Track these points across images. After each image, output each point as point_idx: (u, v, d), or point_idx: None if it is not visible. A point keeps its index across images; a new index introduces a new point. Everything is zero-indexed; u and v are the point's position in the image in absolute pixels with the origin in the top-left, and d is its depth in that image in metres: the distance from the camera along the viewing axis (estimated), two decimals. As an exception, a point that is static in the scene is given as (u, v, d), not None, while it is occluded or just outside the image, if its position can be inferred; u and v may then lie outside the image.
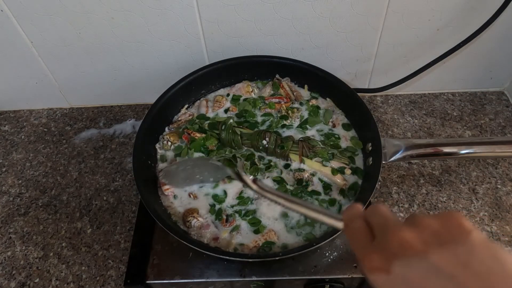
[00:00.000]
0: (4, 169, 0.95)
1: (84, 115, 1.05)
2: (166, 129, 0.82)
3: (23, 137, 1.02)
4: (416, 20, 0.86)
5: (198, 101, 0.87)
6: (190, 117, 0.83)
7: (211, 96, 0.88)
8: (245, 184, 0.59)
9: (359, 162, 0.76)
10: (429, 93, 1.05)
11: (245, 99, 0.86)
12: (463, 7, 0.83)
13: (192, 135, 0.78)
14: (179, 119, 0.84)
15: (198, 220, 0.68)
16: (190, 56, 0.93)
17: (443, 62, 0.87)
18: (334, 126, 0.81)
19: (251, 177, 0.62)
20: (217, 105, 0.85)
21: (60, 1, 0.80)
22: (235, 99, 0.86)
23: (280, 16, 0.84)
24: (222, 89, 0.89)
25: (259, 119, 0.83)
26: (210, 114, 0.84)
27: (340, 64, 0.96)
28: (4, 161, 0.97)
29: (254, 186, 0.57)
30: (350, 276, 0.65)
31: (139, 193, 0.67)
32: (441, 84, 1.03)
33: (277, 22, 0.85)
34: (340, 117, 0.83)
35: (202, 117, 0.83)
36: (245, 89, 0.87)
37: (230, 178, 0.73)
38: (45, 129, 1.03)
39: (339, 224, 0.41)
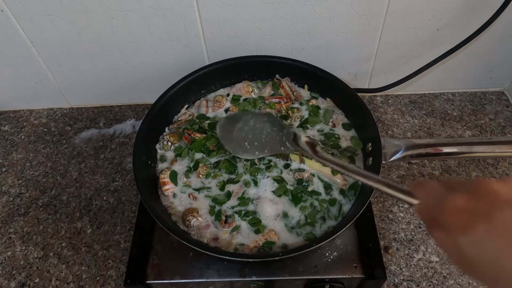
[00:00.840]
0: (4, 169, 0.95)
1: (84, 115, 1.05)
2: (166, 129, 0.82)
3: (23, 137, 1.02)
4: (416, 20, 0.86)
5: (198, 101, 0.87)
6: (190, 117, 0.83)
7: (211, 96, 0.88)
8: (307, 154, 0.62)
9: (359, 162, 0.76)
10: (429, 93, 1.05)
11: (245, 99, 0.86)
12: (463, 7, 0.83)
13: (192, 135, 0.78)
14: (179, 119, 0.84)
15: (197, 219, 0.68)
16: (190, 56, 0.93)
17: (443, 62, 0.88)
18: (334, 126, 0.81)
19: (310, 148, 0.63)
20: (217, 105, 0.84)
21: (60, 1, 0.80)
22: (235, 99, 0.86)
23: (280, 16, 0.84)
24: (222, 89, 0.89)
25: None
26: (210, 114, 0.84)
27: (340, 64, 0.96)
28: (4, 161, 0.97)
29: (315, 157, 0.60)
30: (350, 276, 0.65)
31: (139, 193, 0.67)
32: (441, 84, 1.03)
33: (277, 22, 0.85)
34: (340, 117, 0.83)
35: (202, 117, 0.83)
36: (245, 89, 0.87)
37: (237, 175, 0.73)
38: (45, 129, 1.03)
39: (411, 200, 0.42)
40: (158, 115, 0.79)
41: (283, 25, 0.86)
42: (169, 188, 0.73)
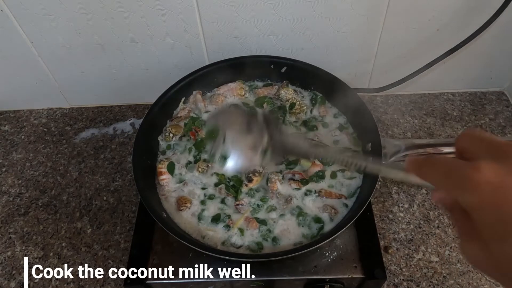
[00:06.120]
0: (4, 169, 0.95)
1: (84, 115, 1.05)
2: (168, 121, 0.82)
3: (23, 137, 1.02)
4: (416, 20, 0.86)
5: (192, 95, 0.85)
6: (190, 112, 0.82)
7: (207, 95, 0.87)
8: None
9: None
10: (429, 93, 1.05)
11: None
12: (463, 7, 0.83)
13: (199, 132, 0.78)
14: (179, 115, 0.82)
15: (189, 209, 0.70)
16: (190, 56, 0.93)
17: (443, 62, 0.87)
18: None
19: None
20: (214, 102, 0.84)
21: (60, 1, 0.80)
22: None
23: (280, 16, 0.84)
24: (215, 89, 0.87)
25: None
26: (209, 108, 0.84)
27: (340, 64, 0.95)
28: (4, 161, 0.97)
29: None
30: (350, 276, 0.65)
31: (139, 193, 0.67)
32: (441, 84, 1.03)
33: (277, 22, 0.85)
34: (339, 116, 0.83)
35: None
36: (237, 92, 0.85)
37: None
38: (45, 129, 1.03)
39: (403, 175, 0.36)
40: (158, 115, 0.79)
41: (283, 25, 0.86)
42: (165, 178, 0.73)
